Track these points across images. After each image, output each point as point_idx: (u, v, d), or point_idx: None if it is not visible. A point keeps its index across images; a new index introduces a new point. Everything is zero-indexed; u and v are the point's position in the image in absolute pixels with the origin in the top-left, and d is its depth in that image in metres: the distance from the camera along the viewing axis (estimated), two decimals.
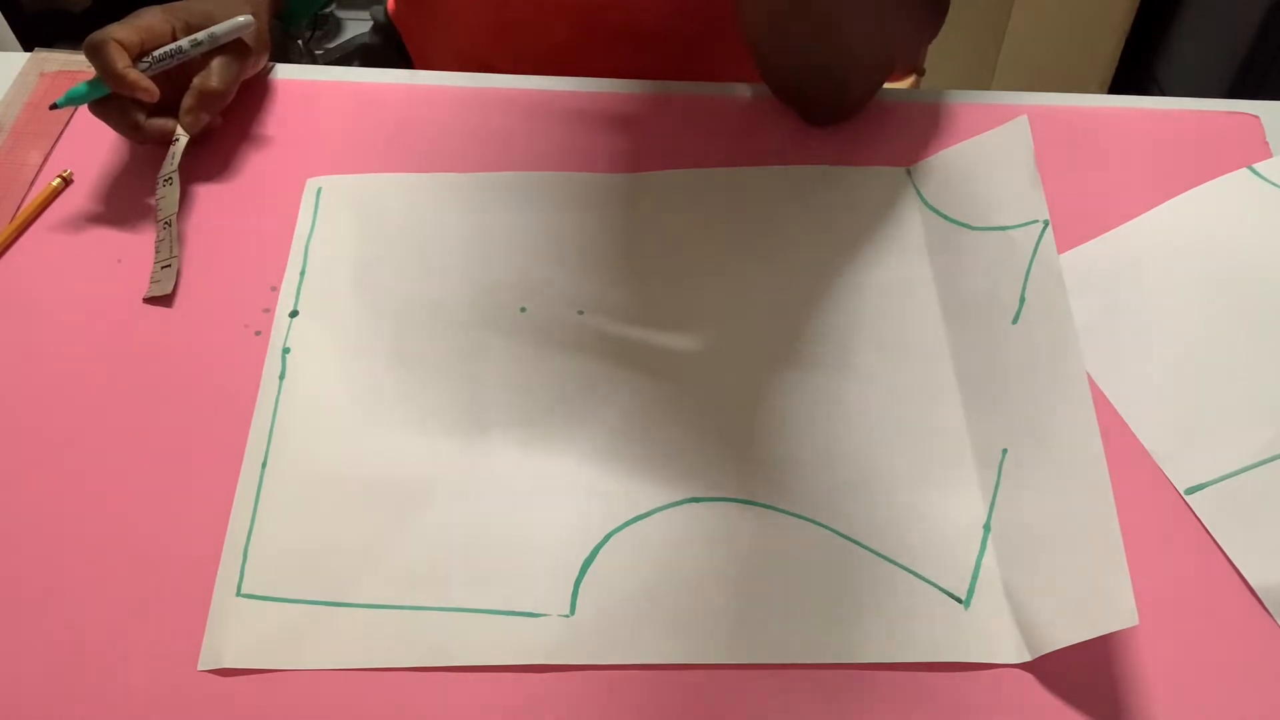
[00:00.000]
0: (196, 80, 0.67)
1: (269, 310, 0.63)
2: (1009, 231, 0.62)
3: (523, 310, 0.63)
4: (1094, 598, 0.48)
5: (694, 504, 0.55)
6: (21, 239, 0.66)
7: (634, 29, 0.81)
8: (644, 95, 0.75)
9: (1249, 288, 0.63)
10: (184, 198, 0.68)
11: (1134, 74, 1.68)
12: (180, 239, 0.66)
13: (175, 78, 0.68)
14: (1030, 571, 0.52)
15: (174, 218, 0.66)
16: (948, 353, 0.61)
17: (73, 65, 0.76)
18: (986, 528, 0.55)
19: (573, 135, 0.72)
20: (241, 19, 0.68)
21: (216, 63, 0.68)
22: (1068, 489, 0.52)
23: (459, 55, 0.86)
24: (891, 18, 0.66)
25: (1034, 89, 0.76)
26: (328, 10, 1.80)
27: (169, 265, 0.64)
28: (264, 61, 0.73)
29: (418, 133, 0.72)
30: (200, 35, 0.67)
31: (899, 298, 0.64)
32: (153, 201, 0.68)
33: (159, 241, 0.65)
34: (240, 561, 0.53)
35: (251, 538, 0.54)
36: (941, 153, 0.69)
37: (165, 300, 0.63)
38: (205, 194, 0.69)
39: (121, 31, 0.65)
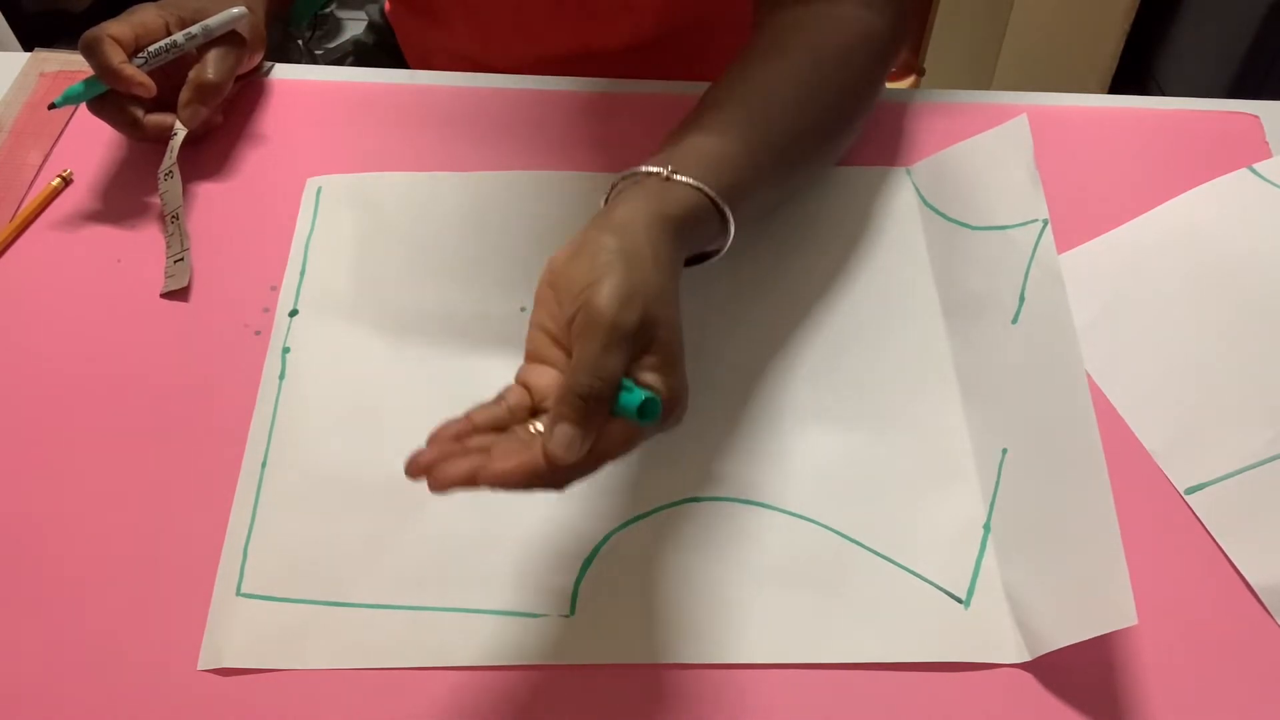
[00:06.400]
0: (192, 73, 0.67)
1: (269, 310, 0.63)
2: (1008, 231, 0.62)
3: (523, 310, 0.63)
4: (1094, 597, 0.48)
5: (694, 504, 0.55)
6: (21, 239, 0.66)
7: (630, 39, 0.81)
8: (643, 95, 0.75)
9: (1249, 288, 0.63)
10: (184, 198, 0.68)
11: (1134, 74, 1.68)
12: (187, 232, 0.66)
13: (173, 75, 0.68)
14: (1030, 571, 0.52)
15: (180, 210, 0.66)
16: (948, 352, 0.61)
17: (72, 65, 0.76)
18: (986, 528, 0.55)
19: (572, 135, 0.72)
20: (235, 11, 0.68)
21: (211, 55, 0.68)
22: (1067, 489, 0.52)
23: (454, 56, 0.86)
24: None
25: (1034, 89, 0.76)
26: (328, 10, 1.80)
27: (181, 259, 0.64)
28: (260, 55, 0.73)
29: (417, 133, 0.72)
30: (194, 28, 0.67)
31: (899, 298, 0.64)
32: (154, 199, 0.68)
33: (168, 236, 0.65)
34: (240, 561, 0.53)
35: (251, 538, 0.54)
36: (941, 153, 0.69)
37: (175, 296, 0.63)
38: (205, 194, 0.69)
39: (116, 28, 0.65)
